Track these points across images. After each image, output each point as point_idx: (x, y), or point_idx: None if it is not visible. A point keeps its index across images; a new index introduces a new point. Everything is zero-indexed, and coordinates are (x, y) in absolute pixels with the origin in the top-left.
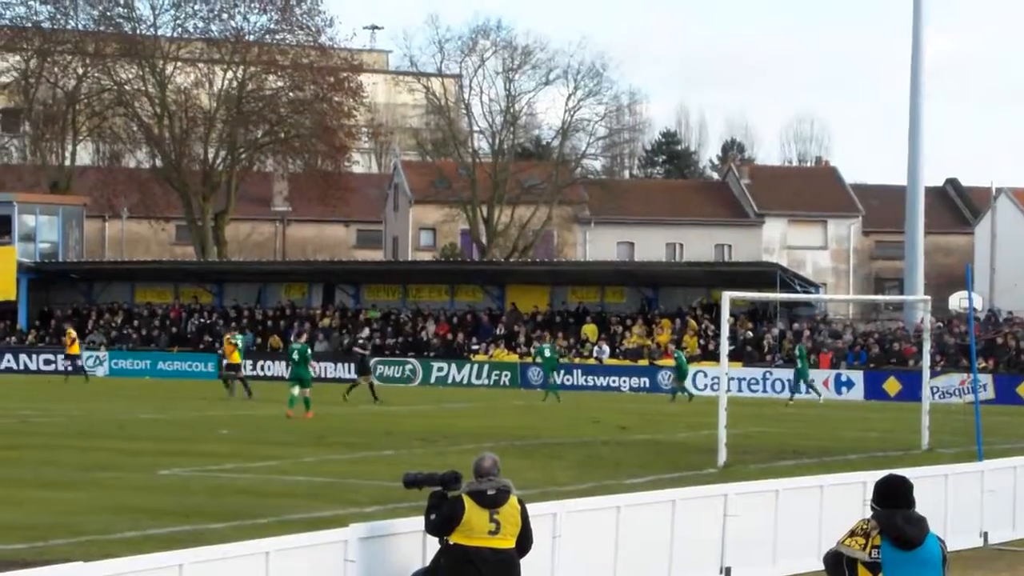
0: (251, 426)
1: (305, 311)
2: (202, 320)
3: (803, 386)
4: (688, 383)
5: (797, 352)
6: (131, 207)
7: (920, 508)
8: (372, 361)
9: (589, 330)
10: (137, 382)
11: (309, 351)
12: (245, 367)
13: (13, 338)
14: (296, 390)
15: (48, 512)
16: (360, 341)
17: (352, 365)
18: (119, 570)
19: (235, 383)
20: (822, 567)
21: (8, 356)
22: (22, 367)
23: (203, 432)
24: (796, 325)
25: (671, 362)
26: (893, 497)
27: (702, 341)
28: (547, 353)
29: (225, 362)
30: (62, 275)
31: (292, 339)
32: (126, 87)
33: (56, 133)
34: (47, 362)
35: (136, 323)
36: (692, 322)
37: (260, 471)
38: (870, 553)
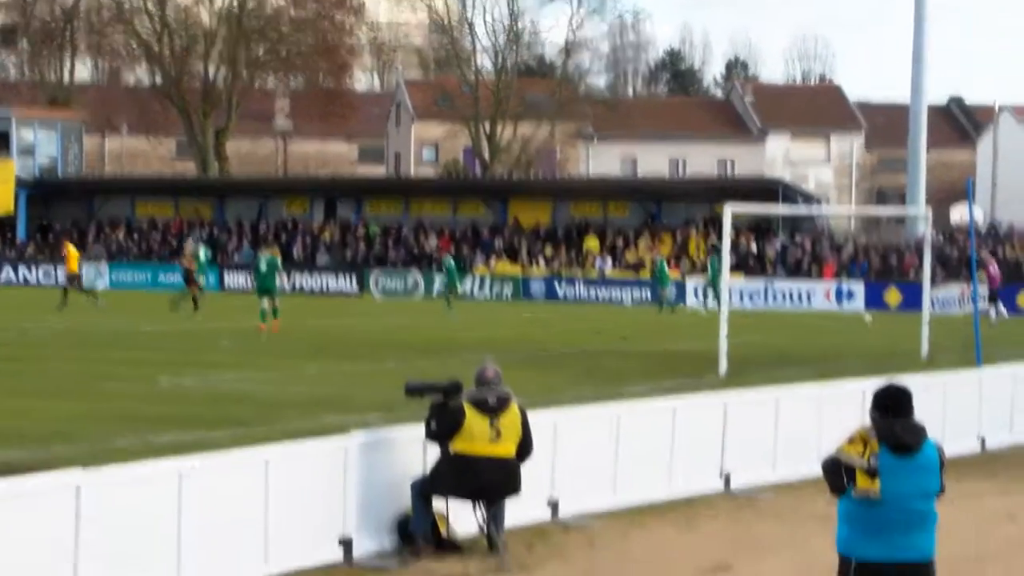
0: (252, 338)
1: (307, 225)
2: (203, 234)
3: (710, 293)
4: (671, 293)
5: (710, 264)
6: (131, 123)
7: (919, 415)
8: (375, 274)
9: (591, 243)
10: (137, 295)
11: (279, 262)
12: (208, 280)
13: (12, 252)
14: (265, 302)
15: (48, 421)
16: (185, 255)
17: (354, 277)
18: (119, 478)
19: (187, 296)
20: (820, 473)
21: (7, 269)
22: (21, 280)
23: (204, 344)
24: (798, 237)
25: (675, 275)
26: (892, 406)
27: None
28: (451, 264)
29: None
30: (61, 190)
31: (261, 250)
32: (125, 4)
33: (54, 50)
34: (46, 275)
35: (136, 237)
36: (694, 236)
37: (261, 381)
38: (868, 460)
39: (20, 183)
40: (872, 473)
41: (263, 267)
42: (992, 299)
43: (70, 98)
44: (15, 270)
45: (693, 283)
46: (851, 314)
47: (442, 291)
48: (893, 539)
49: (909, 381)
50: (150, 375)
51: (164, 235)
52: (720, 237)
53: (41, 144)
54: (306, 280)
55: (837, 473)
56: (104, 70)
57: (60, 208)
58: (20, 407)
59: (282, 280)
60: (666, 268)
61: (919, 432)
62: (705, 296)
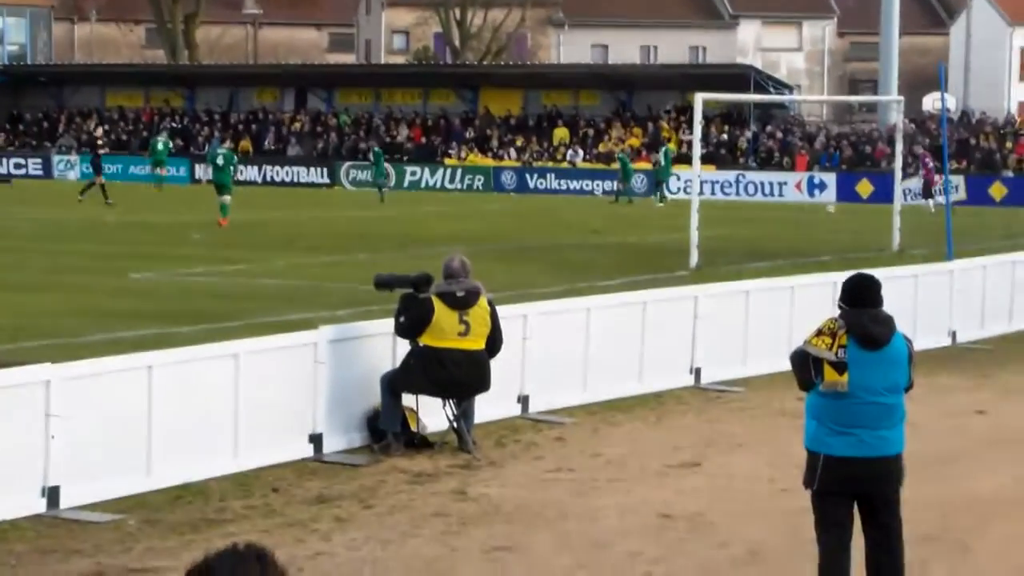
0: (222, 231)
1: (277, 115)
2: (174, 124)
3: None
4: (634, 185)
5: (662, 156)
6: (99, 9)
7: (889, 308)
8: (346, 165)
9: (561, 133)
10: (108, 186)
11: (235, 158)
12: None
13: None
14: (226, 197)
15: (17, 314)
16: (99, 141)
17: (325, 169)
18: (89, 371)
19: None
20: (790, 367)
21: None
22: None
23: (174, 237)
24: (769, 127)
25: (647, 165)
26: (860, 296)
27: (674, 144)
28: (378, 152)
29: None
30: (31, 78)
31: (216, 145)
32: None
33: None
34: (17, 166)
35: (107, 127)
36: (665, 125)
37: (231, 275)
38: (836, 352)
39: None
40: (840, 367)
41: (219, 161)
42: (927, 195)
43: None
44: None
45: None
46: (820, 205)
47: (373, 181)
48: (860, 434)
49: (879, 274)
50: (121, 268)
51: (135, 126)
52: (691, 126)
53: (10, 31)
54: (276, 172)
55: (805, 366)
56: None
57: (30, 98)
58: None
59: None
60: (628, 162)
61: (888, 324)
62: (657, 190)
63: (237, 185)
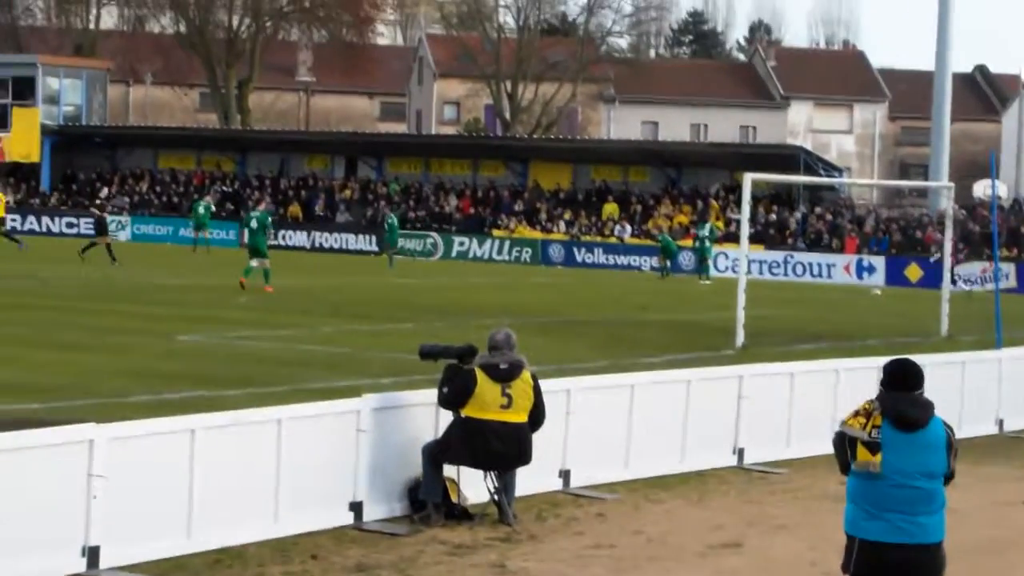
0: (270, 296)
1: (327, 182)
2: (224, 188)
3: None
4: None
5: (706, 232)
6: (155, 73)
7: (936, 394)
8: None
9: (610, 208)
10: (158, 248)
11: (270, 220)
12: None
13: (36, 200)
14: (255, 262)
15: (64, 374)
16: (98, 202)
17: (374, 237)
18: (132, 432)
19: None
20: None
21: (31, 218)
22: (44, 229)
23: (222, 299)
24: (818, 208)
25: (690, 243)
26: (898, 379)
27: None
28: (392, 221)
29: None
30: (85, 139)
31: (252, 206)
32: None
33: None
34: (69, 225)
35: (159, 189)
36: (715, 204)
37: (277, 339)
38: (870, 432)
39: (45, 131)
40: (873, 447)
41: (253, 224)
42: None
43: (95, 45)
44: (38, 220)
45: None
46: (868, 288)
47: (385, 248)
48: (896, 519)
49: (926, 360)
50: (167, 330)
51: (186, 188)
52: (740, 205)
53: (66, 92)
54: (325, 238)
55: (842, 448)
56: (129, 18)
57: (84, 158)
58: (37, 359)
59: (268, 238)
60: (669, 240)
61: (924, 407)
62: (702, 268)
63: (286, 251)
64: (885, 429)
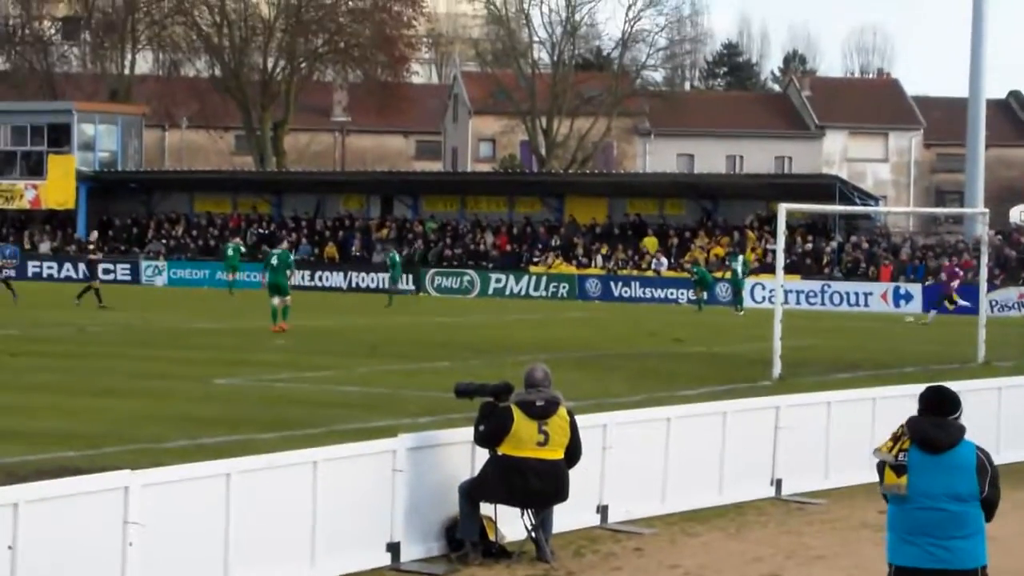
0: (306, 337)
1: (363, 222)
2: (260, 230)
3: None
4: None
5: (739, 264)
6: (190, 117)
7: (973, 420)
8: (431, 272)
9: (648, 242)
10: (195, 292)
11: (291, 258)
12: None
13: (73, 246)
14: (276, 300)
15: (101, 421)
16: (90, 247)
17: (411, 276)
18: (166, 478)
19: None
20: (872, 480)
21: (67, 264)
22: (81, 276)
23: (258, 342)
24: (854, 237)
25: (726, 274)
26: (933, 405)
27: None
28: (395, 259)
29: None
30: (121, 184)
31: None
32: None
33: (115, 42)
34: (106, 271)
35: (195, 233)
36: (751, 234)
37: (313, 381)
38: (896, 456)
39: (80, 177)
40: (899, 469)
41: (274, 262)
42: (937, 305)
43: (130, 90)
44: (75, 266)
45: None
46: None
47: (388, 286)
48: (926, 543)
49: (963, 387)
50: (204, 374)
51: (222, 231)
52: (775, 235)
53: (102, 138)
54: (362, 278)
55: (880, 474)
56: (164, 63)
57: (120, 203)
58: (73, 406)
59: (291, 277)
60: (705, 272)
61: (951, 431)
62: (736, 299)
63: (323, 291)
64: (912, 452)
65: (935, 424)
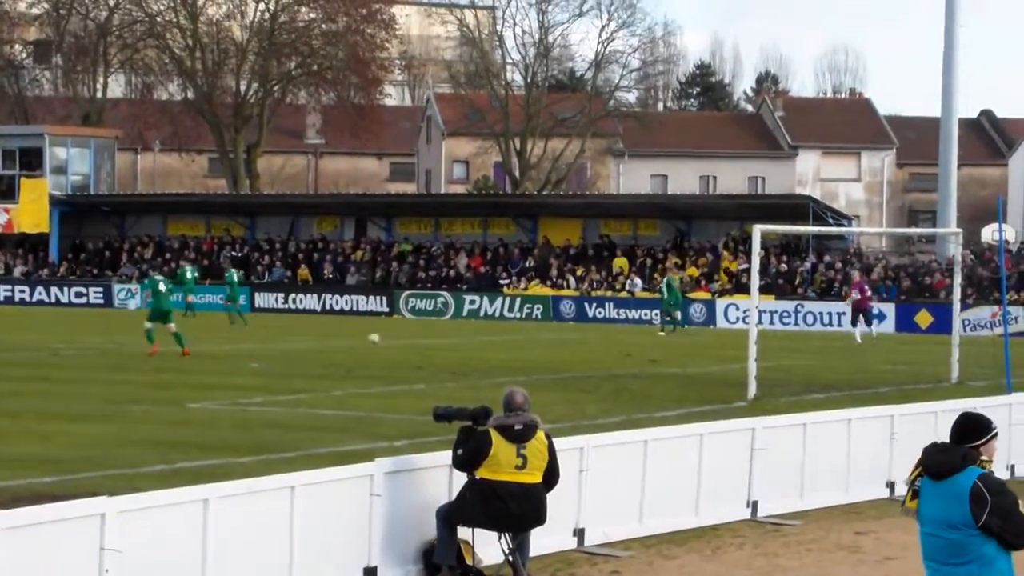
0: (281, 360)
1: (337, 244)
2: (234, 253)
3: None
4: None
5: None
6: (163, 140)
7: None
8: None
9: (621, 263)
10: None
11: (189, 275)
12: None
13: (45, 271)
14: (172, 326)
15: (77, 446)
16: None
17: (385, 298)
18: (143, 504)
19: None
20: (847, 501)
21: (40, 289)
22: (53, 300)
23: (233, 366)
24: (827, 257)
25: (706, 295)
26: (954, 431)
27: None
28: (232, 277)
29: None
30: (94, 208)
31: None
32: (158, 19)
33: (87, 65)
34: (79, 295)
35: (168, 256)
36: (725, 255)
37: (289, 404)
38: (913, 480)
39: (53, 201)
40: (914, 494)
41: (162, 288)
42: (853, 321)
43: (103, 114)
44: (47, 290)
45: (722, 303)
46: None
47: (226, 307)
48: (931, 568)
49: (937, 407)
50: (179, 398)
51: (197, 254)
52: (749, 256)
53: (74, 162)
54: (336, 300)
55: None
56: (137, 86)
57: (92, 226)
58: (48, 431)
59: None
60: (675, 288)
61: (953, 457)
62: (666, 319)
63: (297, 314)
64: (924, 477)
65: (942, 450)
